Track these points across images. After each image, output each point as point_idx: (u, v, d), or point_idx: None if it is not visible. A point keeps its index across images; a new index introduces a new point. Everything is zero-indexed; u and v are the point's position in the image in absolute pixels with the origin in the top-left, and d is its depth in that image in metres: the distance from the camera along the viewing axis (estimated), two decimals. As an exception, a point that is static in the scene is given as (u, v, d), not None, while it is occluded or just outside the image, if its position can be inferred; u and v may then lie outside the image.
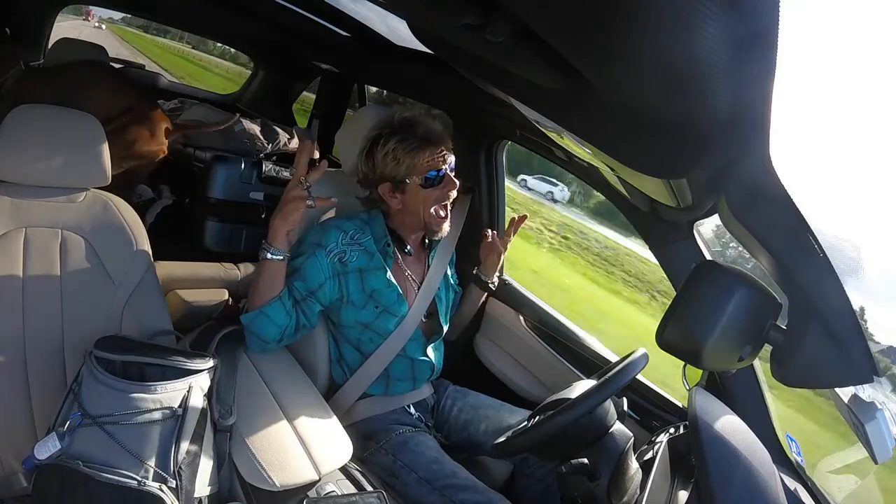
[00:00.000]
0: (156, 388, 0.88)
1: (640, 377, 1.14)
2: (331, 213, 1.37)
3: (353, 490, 0.99)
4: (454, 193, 1.25)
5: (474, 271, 1.49)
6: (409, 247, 1.31)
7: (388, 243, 1.26)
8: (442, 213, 1.25)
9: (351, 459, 1.03)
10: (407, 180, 1.20)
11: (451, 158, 1.24)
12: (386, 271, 1.24)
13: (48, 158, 1.09)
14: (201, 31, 3.23)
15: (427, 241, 1.36)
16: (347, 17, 1.52)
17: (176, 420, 0.88)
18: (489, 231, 1.45)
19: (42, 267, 1.07)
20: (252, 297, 1.14)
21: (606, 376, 0.98)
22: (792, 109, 0.50)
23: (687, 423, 0.96)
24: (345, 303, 1.22)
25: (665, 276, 1.21)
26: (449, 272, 1.41)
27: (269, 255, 1.09)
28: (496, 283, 1.52)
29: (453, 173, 1.24)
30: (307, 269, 1.17)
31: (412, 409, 1.32)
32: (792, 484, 0.90)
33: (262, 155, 2.28)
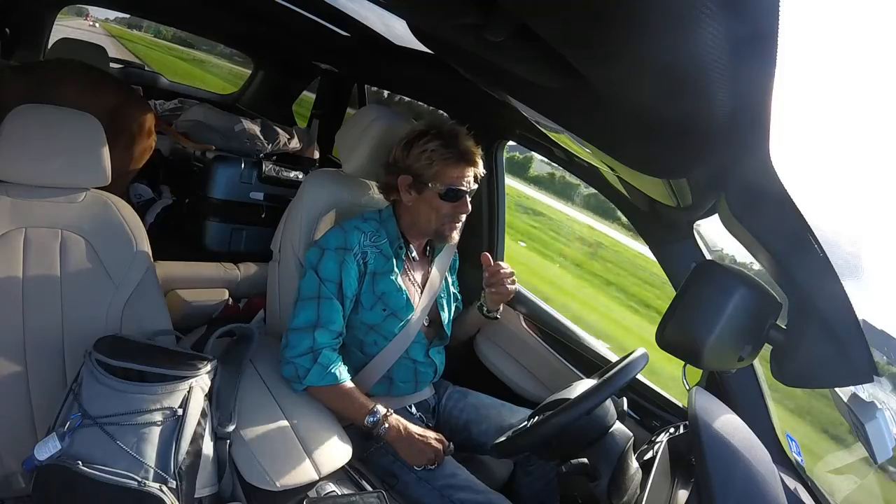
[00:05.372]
0: (156, 388, 0.88)
1: (640, 377, 1.15)
2: (331, 214, 1.37)
3: (353, 490, 0.99)
4: (463, 217, 1.25)
5: (478, 304, 1.43)
6: (413, 251, 1.31)
7: (401, 245, 1.27)
8: (454, 226, 1.25)
9: (351, 459, 1.03)
10: (429, 184, 1.21)
11: (475, 185, 1.25)
12: (396, 275, 1.25)
13: (48, 158, 1.09)
14: (201, 31, 3.23)
15: (429, 246, 1.36)
16: (347, 17, 1.52)
17: (176, 420, 0.88)
18: (489, 260, 1.34)
19: (42, 267, 1.07)
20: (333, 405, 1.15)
21: (606, 376, 0.98)
22: (792, 109, 0.50)
23: (687, 423, 0.96)
24: (354, 302, 1.23)
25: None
26: (450, 279, 1.41)
27: (369, 421, 1.12)
28: (501, 313, 1.48)
29: (470, 198, 1.24)
30: (344, 277, 1.19)
31: (413, 410, 1.32)
32: (792, 484, 0.90)
33: (262, 155, 2.28)
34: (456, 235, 1.28)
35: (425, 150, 1.20)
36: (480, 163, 1.25)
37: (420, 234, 1.30)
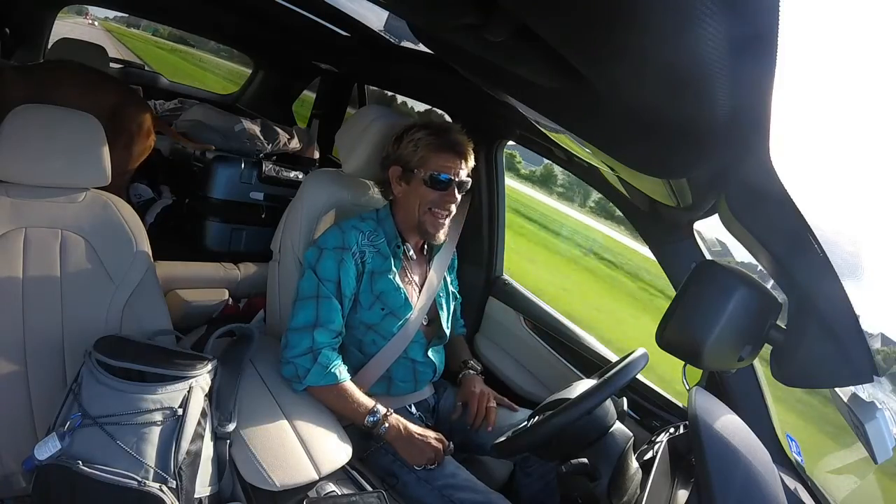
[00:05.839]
0: (156, 388, 0.88)
1: (640, 377, 1.15)
2: (331, 214, 1.37)
3: (353, 490, 0.99)
4: (453, 208, 1.25)
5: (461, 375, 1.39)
6: (410, 250, 1.31)
7: (399, 244, 1.28)
8: (438, 218, 1.24)
9: (351, 459, 1.03)
10: (415, 171, 1.22)
11: (466, 178, 1.25)
12: (394, 274, 1.25)
13: (48, 158, 1.09)
14: (202, 31, 3.23)
15: (426, 245, 1.36)
16: (347, 17, 1.52)
17: (176, 420, 0.88)
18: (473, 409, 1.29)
19: (42, 267, 1.07)
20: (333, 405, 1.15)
21: (606, 376, 0.98)
22: (792, 109, 0.50)
23: (687, 423, 0.96)
24: (352, 302, 1.23)
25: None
26: (448, 278, 1.41)
27: (369, 420, 1.12)
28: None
29: (460, 192, 1.24)
30: (343, 276, 1.19)
31: (413, 409, 1.32)
32: (792, 484, 0.90)
33: (262, 155, 2.28)
34: (442, 235, 1.27)
35: (413, 139, 1.22)
36: (471, 156, 1.25)
37: (412, 232, 1.30)
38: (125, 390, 0.87)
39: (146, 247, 1.18)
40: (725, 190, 0.76)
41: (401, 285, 1.26)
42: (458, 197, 1.24)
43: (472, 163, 1.26)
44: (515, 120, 1.43)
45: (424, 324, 1.32)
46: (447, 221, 1.26)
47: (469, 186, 1.26)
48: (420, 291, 1.31)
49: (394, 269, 1.25)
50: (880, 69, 0.51)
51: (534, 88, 0.76)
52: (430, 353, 1.32)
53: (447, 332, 1.38)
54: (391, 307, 1.24)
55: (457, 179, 1.22)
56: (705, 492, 0.65)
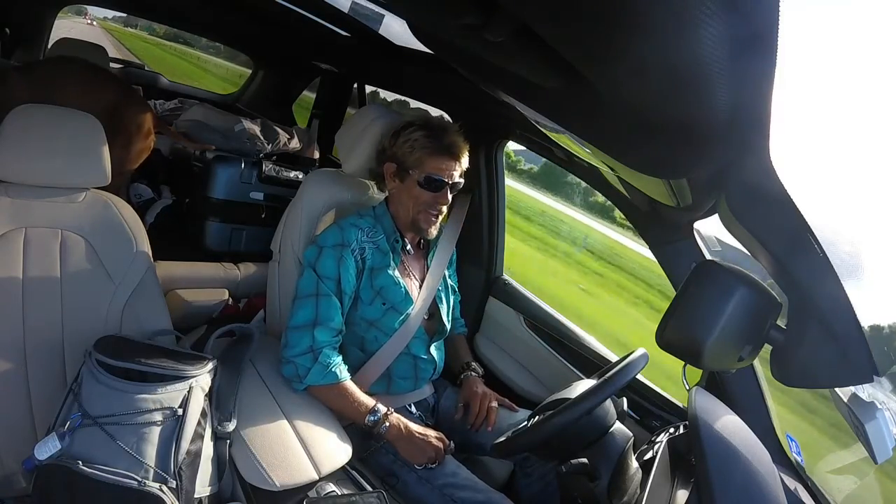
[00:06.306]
0: (156, 388, 0.88)
1: (640, 377, 1.15)
2: (331, 214, 1.37)
3: (353, 490, 0.99)
4: (444, 209, 1.27)
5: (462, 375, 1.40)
6: (408, 245, 1.32)
7: (397, 239, 1.29)
8: (431, 216, 1.26)
9: (351, 459, 1.03)
10: (410, 171, 1.23)
11: (459, 178, 1.26)
12: (394, 269, 1.26)
13: (48, 158, 1.09)
14: (202, 31, 3.23)
15: (423, 239, 1.36)
16: (347, 17, 1.52)
17: (176, 420, 0.88)
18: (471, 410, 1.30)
19: (42, 267, 1.07)
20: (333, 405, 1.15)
21: (606, 376, 0.98)
22: (792, 109, 0.50)
23: (687, 423, 0.96)
24: (353, 299, 1.23)
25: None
26: (447, 273, 1.42)
27: (369, 420, 1.12)
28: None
29: (452, 192, 1.26)
30: (343, 273, 1.19)
31: (413, 409, 1.32)
32: (792, 484, 0.90)
33: (262, 155, 2.28)
34: (433, 231, 1.29)
35: (409, 139, 1.23)
36: (465, 156, 1.26)
37: (407, 228, 1.31)
38: (125, 390, 0.87)
39: (146, 247, 1.18)
40: (725, 190, 0.76)
41: (400, 280, 1.26)
42: (450, 198, 1.26)
43: (466, 163, 1.27)
44: (515, 120, 1.43)
45: (426, 318, 1.33)
46: (439, 219, 1.28)
47: (461, 186, 1.27)
48: (420, 286, 1.32)
49: (393, 264, 1.26)
50: (880, 69, 0.51)
51: (534, 88, 0.76)
52: (432, 350, 1.32)
53: (447, 325, 1.38)
54: (392, 302, 1.24)
55: (450, 182, 1.24)
56: (705, 492, 0.65)
